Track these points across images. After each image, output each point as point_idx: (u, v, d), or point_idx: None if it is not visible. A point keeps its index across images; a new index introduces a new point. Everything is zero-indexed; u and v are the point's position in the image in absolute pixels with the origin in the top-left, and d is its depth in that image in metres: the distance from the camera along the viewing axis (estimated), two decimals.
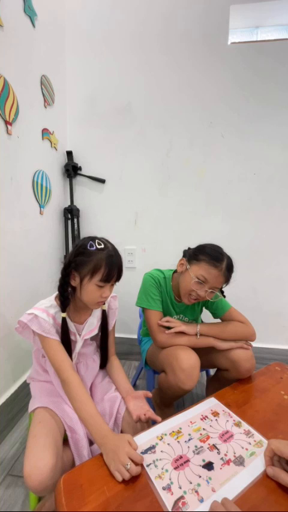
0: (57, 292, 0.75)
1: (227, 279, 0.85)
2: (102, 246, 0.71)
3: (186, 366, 0.78)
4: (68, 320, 0.76)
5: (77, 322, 0.79)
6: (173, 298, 0.98)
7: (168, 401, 0.94)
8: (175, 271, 0.99)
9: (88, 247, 0.70)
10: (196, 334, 0.88)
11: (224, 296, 0.97)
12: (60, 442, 0.65)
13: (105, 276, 0.69)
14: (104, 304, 0.83)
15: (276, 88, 1.39)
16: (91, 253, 0.69)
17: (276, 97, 1.39)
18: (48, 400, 0.74)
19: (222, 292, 0.97)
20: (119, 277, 0.74)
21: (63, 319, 0.73)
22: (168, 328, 0.89)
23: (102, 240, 0.74)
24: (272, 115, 1.41)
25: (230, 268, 0.84)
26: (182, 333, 0.88)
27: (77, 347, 0.78)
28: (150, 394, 0.75)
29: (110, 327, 0.87)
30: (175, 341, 0.87)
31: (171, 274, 0.99)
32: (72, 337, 0.77)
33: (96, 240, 0.71)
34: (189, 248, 0.95)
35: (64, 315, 0.73)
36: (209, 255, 0.83)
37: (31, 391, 0.81)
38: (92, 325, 0.82)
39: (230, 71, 1.41)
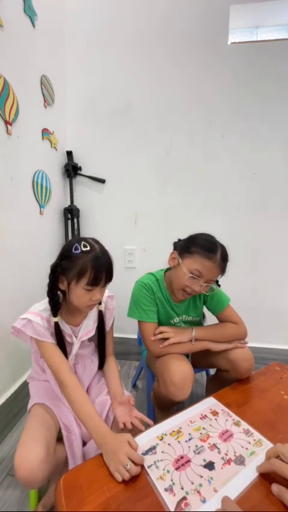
0: None
1: (222, 270, 0.80)
2: (88, 248, 0.68)
3: (177, 378, 0.74)
4: (64, 322, 0.75)
5: (73, 324, 0.78)
6: (170, 299, 0.93)
7: (166, 406, 0.93)
8: (167, 270, 0.95)
9: (73, 251, 0.68)
10: (191, 340, 0.85)
11: (219, 285, 0.92)
12: (54, 437, 0.66)
13: (91, 279, 0.67)
14: (100, 304, 0.82)
15: (276, 88, 1.39)
16: (76, 256, 0.67)
17: (276, 97, 1.39)
18: (46, 398, 0.74)
19: (217, 282, 0.91)
20: (108, 278, 0.72)
21: (56, 323, 0.72)
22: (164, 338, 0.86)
23: (89, 241, 0.71)
24: (272, 115, 1.41)
25: (224, 258, 0.79)
26: None
27: (74, 349, 0.78)
28: (132, 401, 0.71)
29: (107, 328, 0.85)
30: (169, 350, 0.84)
31: (163, 274, 0.94)
32: (69, 339, 0.76)
33: (82, 242, 0.69)
34: (179, 240, 0.90)
35: (56, 319, 0.72)
36: (202, 246, 0.78)
37: (30, 391, 0.81)
38: (88, 327, 0.81)
39: (230, 71, 1.41)
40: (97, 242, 0.73)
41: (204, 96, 1.44)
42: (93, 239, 0.73)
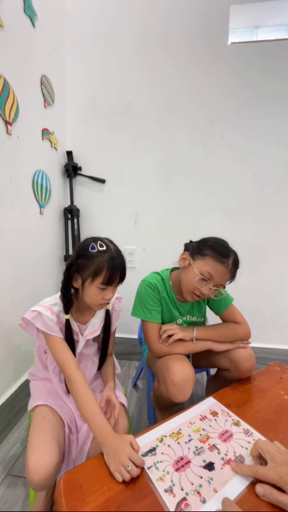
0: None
1: (232, 276, 0.80)
2: (105, 248, 0.69)
3: (178, 379, 0.74)
4: (72, 320, 0.76)
5: (81, 322, 0.79)
6: (175, 299, 0.92)
7: (166, 407, 0.92)
8: (173, 269, 0.95)
9: (90, 250, 0.69)
10: (192, 340, 0.85)
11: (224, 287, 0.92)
12: (62, 439, 0.66)
13: (106, 279, 0.68)
14: (108, 304, 0.83)
15: (276, 88, 1.39)
16: (93, 255, 0.68)
17: (276, 97, 1.39)
18: (48, 398, 0.74)
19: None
20: (121, 279, 0.73)
21: (67, 321, 0.73)
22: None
23: (105, 241, 0.72)
24: (272, 115, 1.41)
25: (236, 264, 0.79)
26: (179, 339, 0.84)
27: (79, 347, 0.79)
28: (117, 410, 0.71)
29: (113, 328, 0.86)
30: (172, 350, 0.84)
31: (169, 274, 0.94)
32: (75, 337, 0.77)
33: (99, 242, 0.70)
34: (191, 241, 0.90)
35: (67, 316, 0.73)
36: (215, 250, 0.78)
37: (31, 390, 0.81)
38: (94, 326, 0.81)
39: (230, 71, 1.41)
40: (112, 242, 0.74)
41: (204, 96, 1.44)
42: (107, 239, 0.74)
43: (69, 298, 0.73)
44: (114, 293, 0.74)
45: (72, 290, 0.74)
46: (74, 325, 0.76)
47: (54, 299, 0.75)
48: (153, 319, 0.88)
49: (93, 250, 0.69)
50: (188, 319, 0.95)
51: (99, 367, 0.86)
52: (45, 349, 0.80)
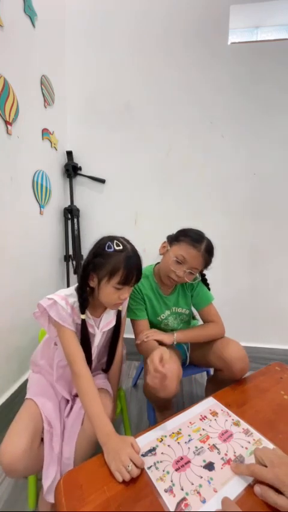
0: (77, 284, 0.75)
1: (206, 261, 0.86)
2: (121, 247, 0.69)
3: None
4: (87, 313, 0.76)
5: (94, 315, 0.79)
6: (161, 292, 0.96)
7: (157, 404, 0.92)
8: (156, 264, 0.99)
9: (106, 249, 0.68)
10: (173, 343, 0.87)
11: (208, 284, 0.99)
12: (39, 433, 0.66)
13: (123, 279, 0.68)
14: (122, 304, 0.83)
15: (276, 88, 1.39)
16: (109, 254, 0.68)
17: (276, 97, 1.40)
18: (36, 393, 0.75)
19: (205, 280, 0.99)
20: (138, 278, 0.72)
21: (83, 321, 0.72)
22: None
23: (121, 240, 0.72)
24: (272, 115, 1.41)
25: (209, 251, 0.85)
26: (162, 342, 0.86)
27: (96, 340, 0.78)
28: None
29: (123, 313, 0.86)
30: (154, 348, 0.83)
31: (152, 269, 0.99)
32: (91, 330, 0.77)
33: (115, 241, 0.70)
34: (173, 233, 0.96)
35: (84, 316, 0.72)
36: (189, 237, 0.85)
37: (28, 381, 0.82)
38: (108, 317, 0.81)
39: (230, 71, 1.41)
40: (128, 242, 0.74)
41: (204, 96, 1.44)
42: (124, 238, 0.75)
43: (85, 297, 0.72)
44: (129, 292, 0.74)
45: (88, 288, 0.73)
46: (89, 319, 0.76)
47: (70, 290, 0.75)
48: (136, 316, 0.93)
49: (109, 250, 0.68)
50: (174, 310, 0.98)
51: (110, 357, 0.85)
52: (56, 342, 0.78)
